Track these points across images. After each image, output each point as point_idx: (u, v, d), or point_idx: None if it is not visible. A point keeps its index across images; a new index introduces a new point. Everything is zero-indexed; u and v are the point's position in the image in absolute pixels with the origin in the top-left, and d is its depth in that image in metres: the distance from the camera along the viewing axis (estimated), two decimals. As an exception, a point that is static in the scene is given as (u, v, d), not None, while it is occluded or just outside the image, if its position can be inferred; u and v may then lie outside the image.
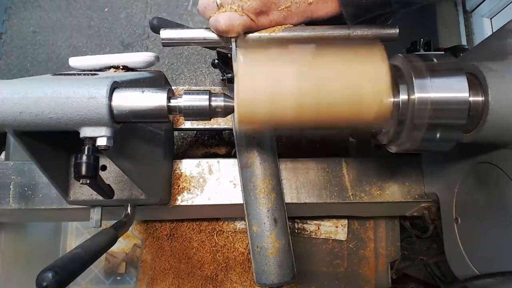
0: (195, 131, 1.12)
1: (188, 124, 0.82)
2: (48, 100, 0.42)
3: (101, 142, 0.43)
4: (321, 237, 0.96)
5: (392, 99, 0.45)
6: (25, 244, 0.99)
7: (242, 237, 0.98)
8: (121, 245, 0.99)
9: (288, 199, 0.74)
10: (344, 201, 0.75)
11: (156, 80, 0.67)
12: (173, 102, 0.46)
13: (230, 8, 0.47)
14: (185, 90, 0.48)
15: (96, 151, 0.44)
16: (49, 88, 0.43)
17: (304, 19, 0.51)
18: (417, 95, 0.46)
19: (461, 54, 0.71)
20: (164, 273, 0.97)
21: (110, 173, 0.61)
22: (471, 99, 0.46)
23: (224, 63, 0.72)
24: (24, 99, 0.42)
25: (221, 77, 0.81)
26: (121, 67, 0.62)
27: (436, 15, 1.55)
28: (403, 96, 0.47)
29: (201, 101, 0.46)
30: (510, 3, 1.36)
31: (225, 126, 0.82)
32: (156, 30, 0.62)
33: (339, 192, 0.75)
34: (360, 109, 0.45)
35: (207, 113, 0.47)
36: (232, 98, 0.47)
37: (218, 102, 0.47)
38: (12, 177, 0.71)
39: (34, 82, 0.44)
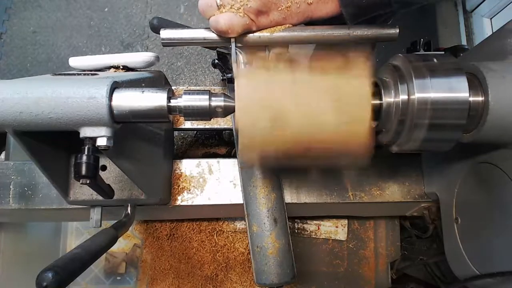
0: (195, 131, 1.12)
1: (188, 124, 0.82)
2: (48, 100, 0.42)
3: (101, 142, 0.43)
4: (321, 237, 0.96)
5: (373, 124, 0.46)
6: (25, 244, 0.99)
7: (242, 237, 0.98)
8: (121, 245, 0.99)
9: (288, 199, 0.74)
10: (344, 201, 0.75)
11: (156, 80, 0.67)
12: (173, 102, 0.46)
13: (230, 8, 0.47)
14: (185, 90, 0.48)
15: (96, 151, 0.44)
16: (49, 88, 0.43)
17: (304, 19, 0.51)
18: (417, 95, 0.46)
19: (461, 54, 0.71)
20: (164, 273, 0.97)
21: (110, 173, 0.61)
22: (471, 99, 0.46)
23: (224, 63, 0.72)
24: (24, 99, 0.42)
25: (221, 77, 0.81)
26: (121, 67, 0.62)
27: (436, 15, 1.55)
28: (403, 96, 0.47)
29: (201, 101, 0.46)
30: (510, 3, 1.36)
31: (225, 126, 0.82)
32: (156, 30, 0.62)
33: (339, 192, 0.75)
34: (348, 133, 0.45)
35: (207, 113, 0.47)
36: (232, 98, 0.47)
37: (218, 102, 0.47)
38: (12, 177, 0.71)
39: (34, 82, 0.44)
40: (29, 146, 0.48)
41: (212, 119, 0.49)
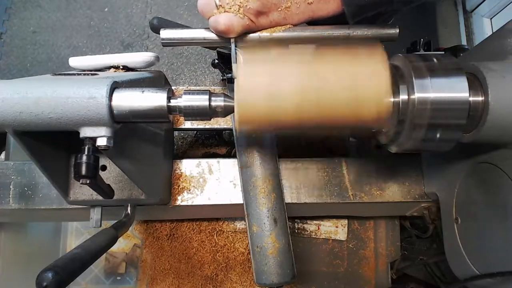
0: (195, 131, 1.12)
1: (188, 124, 0.82)
2: (48, 100, 0.42)
3: (101, 142, 0.43)
4: (321, 237, 0.96)
5: (392, 99, 0.45)
6: (25, 244, 0.99)
7: (242, 237, 0.98)
8: (121, 245, 0.99)
9: (288, 199, 0.74)
10: (344, 201, 0.75)
11: (156, 80, 0.67)
12: (173, 102, 0.46)
13: (230, 8, 0.47)
14: (185, 90, 0.48)
15: (96, 151, 0.44)
16: (49, 88, 0.43)
17: (305, 19, 0.51)
18: (417, 95, 0.46)
19: (461, 54, 0.71)
20: (164, 273, 0.97)
21: (110, 173, 0.61)
22: (471, 99, 0.46)
23: (224, 63, 0.72)
24: (24, 99, 0.42)
25: (221, 77, 0.81)
26: (121, 67, 0.62)
27: (436, 15, 1.55)
28: (403, 96, 0.47)
29: (201, 101, 0.46)
30: (510, 3, 1.37)
31: (225, 126, 0.82)
32: (156, 30, 0.62)
33: (339, 192, 0.75)
34: (361, 110, 0.45)
35: (207, 113, 0.47)
36: (232, 98, 0.47)
37: (218, 102, 0.47)
38: (12, 177, 0.71)
39: (34, 82, 0.44)
40: (29, 146, 0.48)
41: (212, 119, 0.49)
